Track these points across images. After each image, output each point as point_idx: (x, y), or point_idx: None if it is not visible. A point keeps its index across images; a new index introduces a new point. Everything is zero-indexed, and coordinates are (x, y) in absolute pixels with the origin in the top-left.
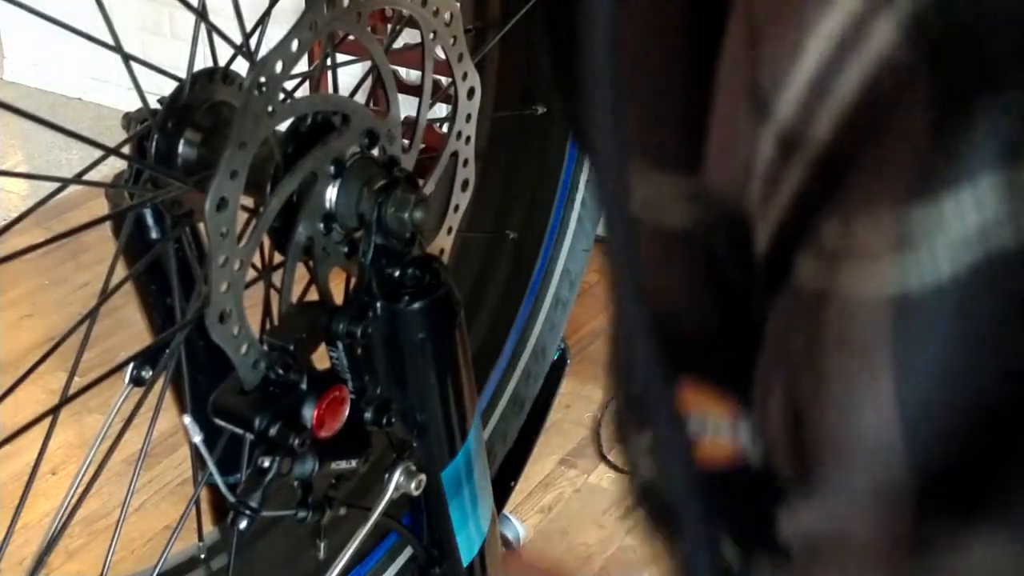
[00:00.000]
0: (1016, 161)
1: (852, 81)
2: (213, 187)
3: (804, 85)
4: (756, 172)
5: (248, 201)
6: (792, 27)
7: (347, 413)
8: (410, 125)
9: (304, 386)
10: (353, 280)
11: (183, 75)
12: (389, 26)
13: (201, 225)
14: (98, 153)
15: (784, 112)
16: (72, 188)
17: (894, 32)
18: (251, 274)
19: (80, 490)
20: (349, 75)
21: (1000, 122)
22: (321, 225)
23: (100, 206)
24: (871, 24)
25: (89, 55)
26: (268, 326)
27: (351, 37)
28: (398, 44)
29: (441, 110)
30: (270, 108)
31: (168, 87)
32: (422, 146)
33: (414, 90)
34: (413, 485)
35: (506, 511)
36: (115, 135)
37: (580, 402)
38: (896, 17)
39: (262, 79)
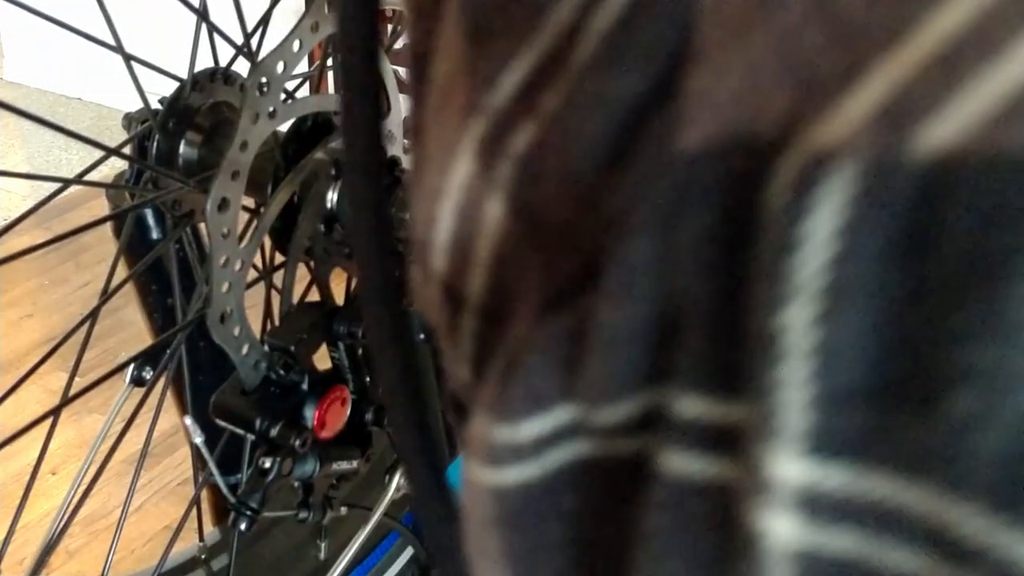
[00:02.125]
0: (574, 391)
1: (481, 257)
2: (215, 187)
3: (445, 247)
4: (435, 314)
5: (249, 201)
6: (425, 191)
7: (348, 414)
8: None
9: (305, 387)
10: (354, 280)
11: (184, 75)
12: (390, 26)
13: (202, 225)
14: (99, 153)
15: (438, 267)
16: (73, 188)
17: (500, 207)
18: (252, 275)
19: (80, 490)
20: None
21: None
22: (322, 225)
23: (101, 206)
24: (482, 199)
25: (89, 55)
26: (269, 327)
27: None
28: (399, 44)
29: None
30: (271, 108)
31: (169, 87)
32: None
33: None
34: None
35: None
36: (115, 135)
37: None
38: (501, 190)
39: (263, 79)
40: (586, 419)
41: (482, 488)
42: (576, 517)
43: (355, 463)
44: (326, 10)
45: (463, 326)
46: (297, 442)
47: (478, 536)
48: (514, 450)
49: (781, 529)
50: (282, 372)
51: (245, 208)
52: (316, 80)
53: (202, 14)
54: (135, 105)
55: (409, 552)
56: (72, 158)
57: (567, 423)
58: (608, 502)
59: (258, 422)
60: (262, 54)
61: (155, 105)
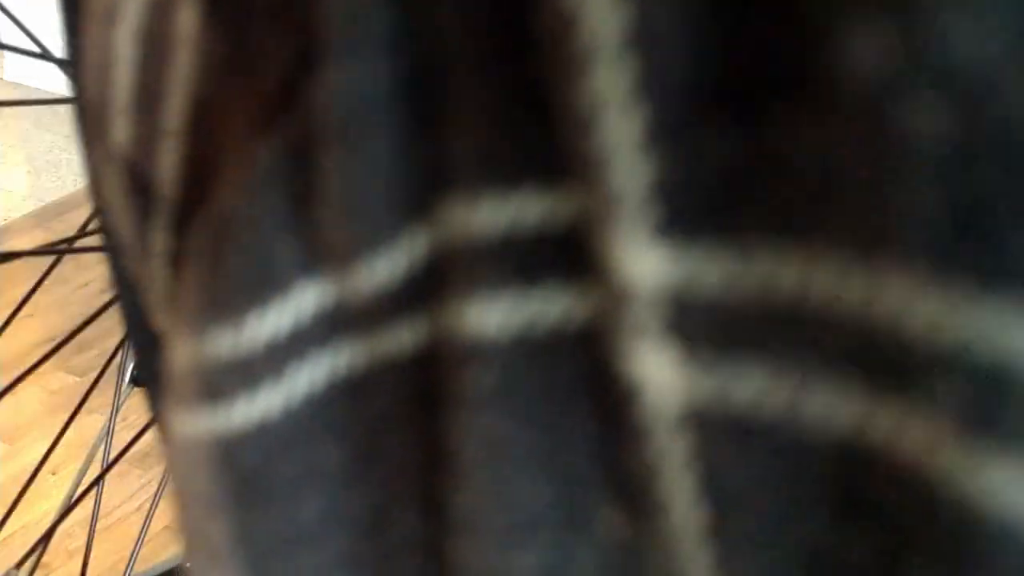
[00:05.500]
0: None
1: (175, 109)
2: None
3: (126, 101)
4: (121, 219)
5: None
6: (94, 21)
7: None
8: None
9: None
10: None
11: None
12: None
13: None
14: None
15: (119, 138)
16: (72, 188)
17: (196, 10)
18: None
19: (80, 489)
20: None
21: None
22: None
23: None
24: (173, 6)
25: None
26: None
27: None
28: None
29: None
30: None
31: None
32: None
33: None
34: None
35: None
36: None
37: None
38: None
39: None
40: (340, 296)
41: (195, 445)
42: (347, 473)
43: None
44: None
45: (154, 236)
46: None
47: (195, 523)
48: (240, 368)
49: (661, 373)
50: None
51: None
52: None
53: None
54: None
55: None
56: (72, 158)
57: (314, 311)
58: (396, 439)
59: None
60: None
61: None
